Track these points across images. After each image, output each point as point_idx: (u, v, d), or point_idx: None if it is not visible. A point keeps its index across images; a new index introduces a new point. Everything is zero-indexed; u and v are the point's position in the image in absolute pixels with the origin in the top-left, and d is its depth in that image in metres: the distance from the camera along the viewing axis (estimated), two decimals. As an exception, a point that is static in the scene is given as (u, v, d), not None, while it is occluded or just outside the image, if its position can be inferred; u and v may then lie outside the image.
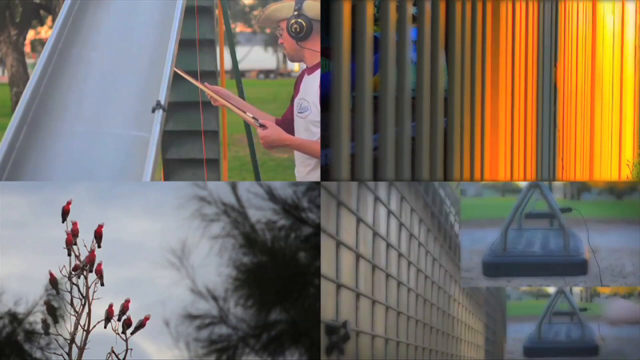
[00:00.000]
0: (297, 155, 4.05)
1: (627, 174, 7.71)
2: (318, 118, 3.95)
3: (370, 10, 2.30)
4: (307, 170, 4.01)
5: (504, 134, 3.86)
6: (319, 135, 3.94)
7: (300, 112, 4.01)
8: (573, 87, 5.64)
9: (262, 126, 3.94)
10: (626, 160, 7.75)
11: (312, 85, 4.00)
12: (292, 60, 4.14)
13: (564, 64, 5.31)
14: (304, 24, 3.97)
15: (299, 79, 4.13)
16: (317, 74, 4.02)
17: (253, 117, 4.00)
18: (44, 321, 3.68)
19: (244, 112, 4.08)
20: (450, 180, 3.06)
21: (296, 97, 4.08)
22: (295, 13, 3.98)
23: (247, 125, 7.50)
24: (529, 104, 4.38)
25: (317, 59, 4.03)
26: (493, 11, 3.61)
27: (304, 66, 4.12)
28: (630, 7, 7.78)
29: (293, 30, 3.98)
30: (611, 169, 7.14)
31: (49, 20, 24.27)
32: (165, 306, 2.87)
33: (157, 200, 3.89)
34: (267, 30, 46.32)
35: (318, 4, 3.97)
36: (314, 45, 4.02)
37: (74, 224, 3.96)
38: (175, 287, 2.71)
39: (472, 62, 3.29)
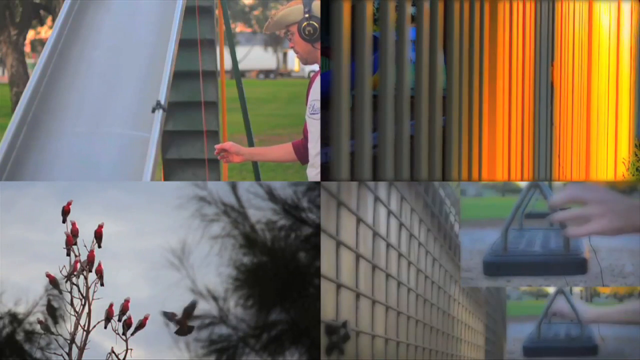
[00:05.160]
0: (310, 155, 4.03)
1: (622, 171, 7.73)
2: None
3: (369, 10, 2.30)
4: (317, 171, 3.99)
5: (501, 133, 3.87)
6: None
7: (314, 114, 3.99)
8: (569, 86, 5.65)
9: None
10: (622, 158, 7.76)
11: None
12: (306, 63, 4.06)
13: (561, 63, 5.32)
14: (317, 25, 3.93)
15: (312, 82, 4.09)
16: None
17: None
18: (43, 321, 3.68)
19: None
20: (449, 180, 3.06)
21: (309, 99, 4.05)
22: (307, 15, 3.92)
23: (248, 125, 7.52)
24: (526, 103, 4.39)
25: None
26: (491, 11, 3.62)
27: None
28: (625, 8, 7.80)
29: (307, 33, 3.92)
30: (607, 167, 7.15)
31: (49, 20, 24.27)
32: (165, 306, 2.88)
33: (157, 200, 3.89)
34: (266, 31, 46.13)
35: None
36: None
37: (73, 224, 3.95)
38: (175, 287, 2.72)
39: (470, 61, 3.30)
